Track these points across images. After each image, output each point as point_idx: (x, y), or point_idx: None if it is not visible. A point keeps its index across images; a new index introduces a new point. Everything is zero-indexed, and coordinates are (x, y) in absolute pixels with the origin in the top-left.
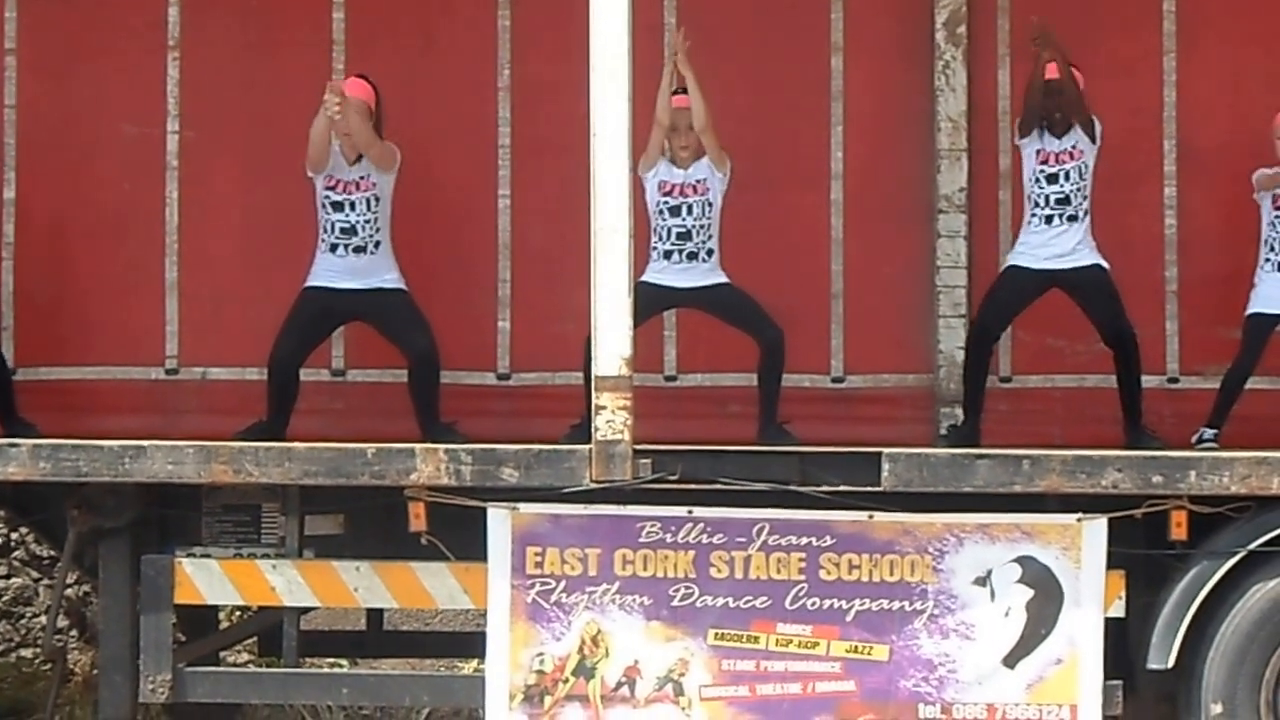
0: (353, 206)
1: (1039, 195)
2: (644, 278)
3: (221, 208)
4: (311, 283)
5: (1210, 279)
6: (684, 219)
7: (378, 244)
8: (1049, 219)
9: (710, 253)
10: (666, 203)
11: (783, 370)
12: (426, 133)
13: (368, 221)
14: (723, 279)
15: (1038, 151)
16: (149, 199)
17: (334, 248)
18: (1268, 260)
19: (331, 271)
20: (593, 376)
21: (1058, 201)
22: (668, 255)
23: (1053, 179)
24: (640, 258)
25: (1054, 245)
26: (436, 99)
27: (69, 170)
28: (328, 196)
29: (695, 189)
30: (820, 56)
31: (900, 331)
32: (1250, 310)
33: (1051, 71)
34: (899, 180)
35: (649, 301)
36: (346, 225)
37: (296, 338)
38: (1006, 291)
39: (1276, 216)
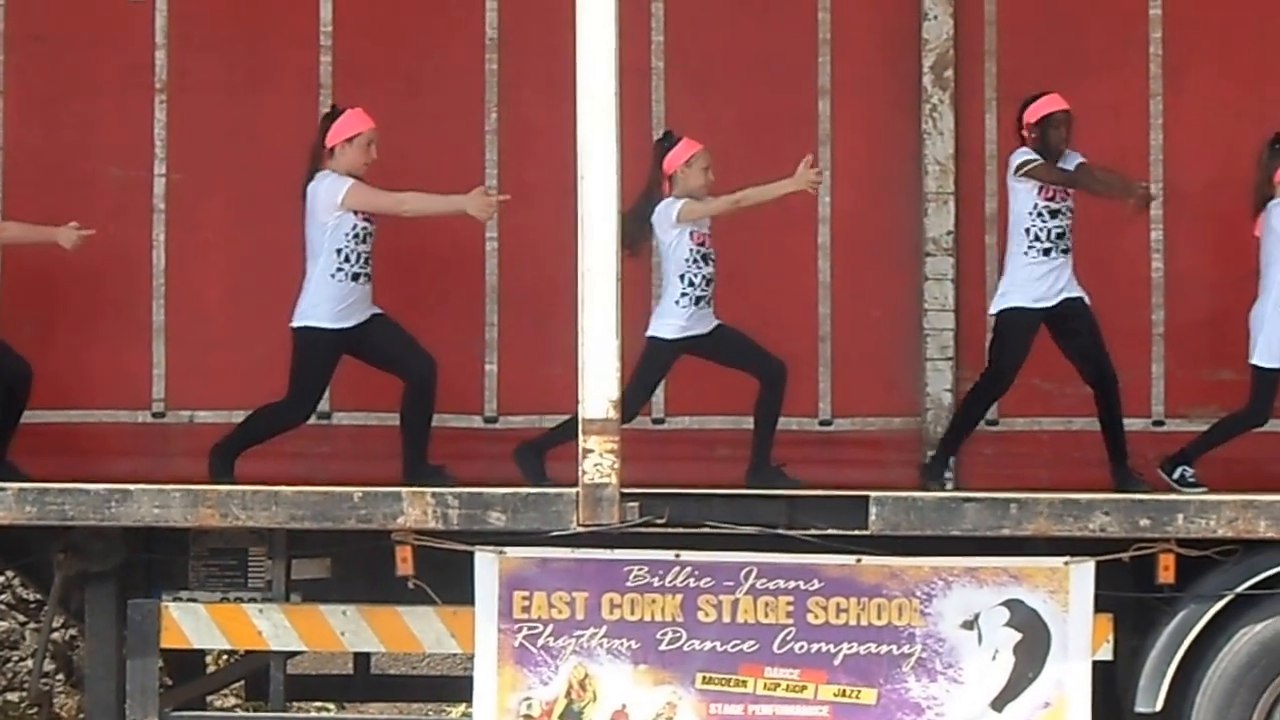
0: (370, 237)
1: (1040, 229)
2: (670, 335)
3: (209, 250)
4: (333, 324)
5: (1197, 322)
6: (712, 266)
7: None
8: (1047, 252)
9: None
10: (700, 251)
11: (782, 406)
12: (414, 176)
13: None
14: (719, 321)
15: (1042, 186)
16: (136, 241)
17: (356, 277)
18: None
19: (348, 303)
20: (580, 419)
21: (1057, 235)
22: (697, 301)
23: (1055, 214)
24: (640, 307)
25: (1051, 279)
26: (424, 142)
27: (56, 212)
28: (365, 228)
29: (713, 237)
30: (808, 100)
31: (888, 375)
32: (1255, 362)
33: (1060, 102)
34: (886, 224)
35: (673, 355)
36: (369, 254)
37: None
38: (1023, 335)
39: None
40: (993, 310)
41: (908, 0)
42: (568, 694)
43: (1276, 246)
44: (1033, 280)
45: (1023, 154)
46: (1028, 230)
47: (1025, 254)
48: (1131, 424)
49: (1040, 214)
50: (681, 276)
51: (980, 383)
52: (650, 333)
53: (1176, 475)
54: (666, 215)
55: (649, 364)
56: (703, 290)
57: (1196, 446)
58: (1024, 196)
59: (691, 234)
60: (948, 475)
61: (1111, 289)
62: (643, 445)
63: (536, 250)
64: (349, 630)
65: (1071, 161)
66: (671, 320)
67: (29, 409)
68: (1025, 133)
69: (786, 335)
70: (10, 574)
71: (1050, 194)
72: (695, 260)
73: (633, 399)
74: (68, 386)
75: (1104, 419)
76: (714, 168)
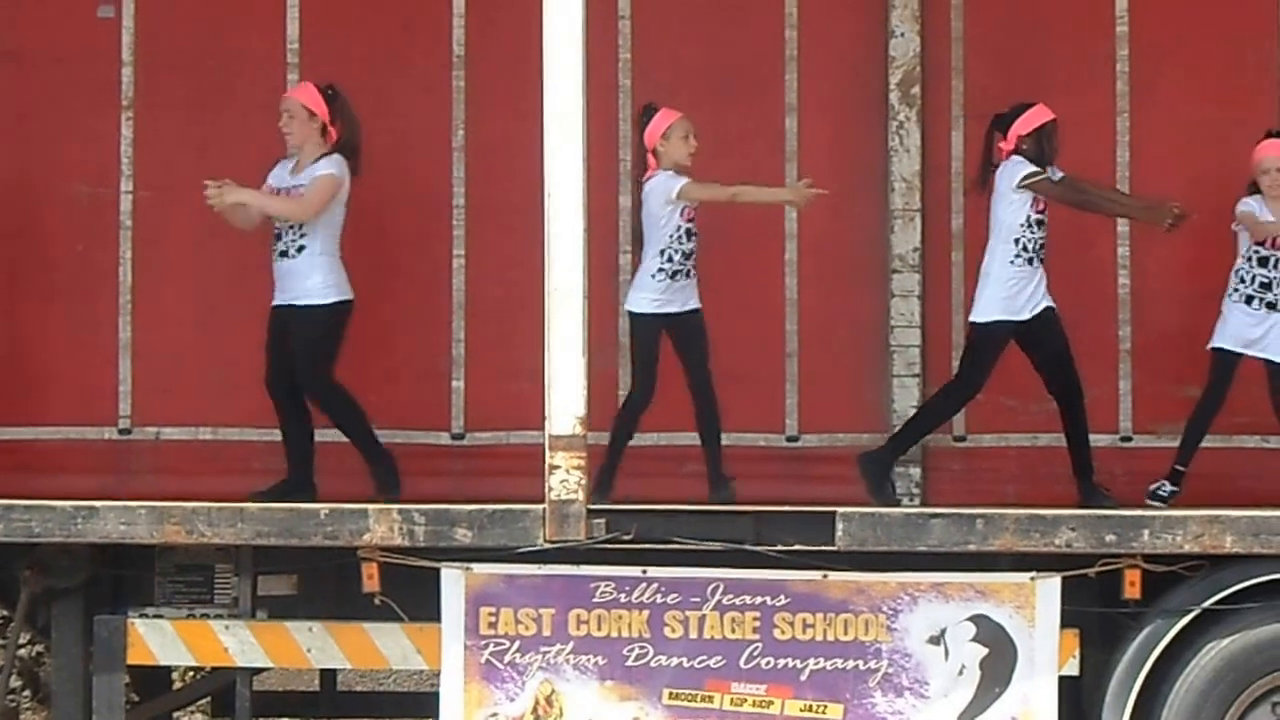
0: (694, 236)
1: (1030, 240)
2: (643, 309)
3: (176, 267)
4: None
5: (1163, 338)
6: (694, 243)
7: (300, 249)
8: (1030, 262)
9: (693, 272)
10: (687, 227)
11: (717, 418)
12: (381, 192)
13: (291, 227)
14: (698, 301)
15: (1035, 198)
16: (103, 258)
17: (674, 275)
18: (1236, 291)
19: (276, 279)
20: (547, 435)
21: (1040, 246)
22: (674, 275)
23: (1042, 224)
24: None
25: (1030, 290)
26: (391, 159)
27: (23, 229)
28: (689, 228)
29: (699, 211)
30: (774, 117)
31: (854, 391)
32: (1215, 344)
33: (1049, 112)
34: (853, 240)
35: (654, 330)
36: (275, 232)
37: (269, 358)
38: (997, 348)
39: (1254, 251)
40: (975, 319)
41: (874, 18)
42: (534, 710)
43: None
44: (1015, 291)
45: (1022, 165)
46: (1017, 240)
47: (1012, 264)
48: (1099, 439)
49: (1031, 225)
50: (662, 251)
51: (948, 389)
52: (626, 306)
53: (1152, 489)
54: (664, 189)
55: (635, 341)
56: (680, 265)
57: (1184, 450)
58: (1018, 208)
59: (683, 210)
60: (915, 490)
61: (1079, 305)
62: None
63: (503, 267)
64: (315, 647)
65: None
66: (645, 294)
67: None
68: (1012, 144)
69: (753, 351)
70: None
71: (1041, 205)
72: (680, 236)
73: (640, 380)
74: (34, 403)
75: (1069, 433)
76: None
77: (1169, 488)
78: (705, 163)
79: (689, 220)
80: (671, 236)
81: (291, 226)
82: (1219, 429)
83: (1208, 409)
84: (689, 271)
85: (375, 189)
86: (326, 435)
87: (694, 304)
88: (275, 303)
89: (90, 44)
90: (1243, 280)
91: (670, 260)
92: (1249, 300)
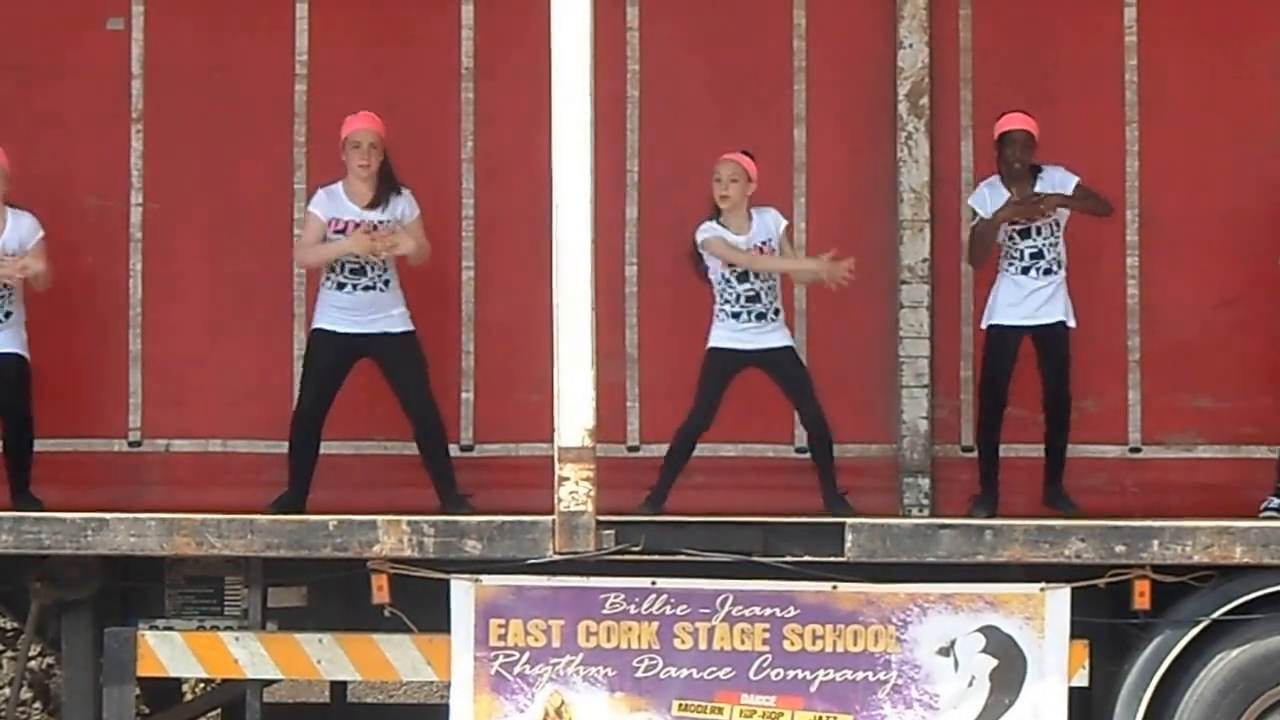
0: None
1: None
2: (714, 343)
3: (185, 279)
4: (319, 325)
5: (1172, 348)
6: (752, 283)
7: (387, 282)
8: (1025, 271)
9: (778, 312)
10: (733, 269)
11: (829, 446)
12: None
13: (374, 265)
14: (787, 341)
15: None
16: (112, 271)
17: (340, 286)
18: None
19: (338, 309)
20: (556, 447)
21: (1032, 255)
22: (735, 316)
23: (1025, 234)
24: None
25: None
26: (400, 171)
27: None
28: (336, 239)
29: (760, 250)
30: (783, 128)
31: (863, 401)
32: None
33: (1013, 121)
34: (861, 251)
35: (722, 366)
36: (356, 266)
37: (315, 388)
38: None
39: None
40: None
41: (882, 28)
42: None
43: None
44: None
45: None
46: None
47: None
48: (1107, 450)
49: (1011, 237)
50: (720, 293)
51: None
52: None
53: (1262, 507)
54: (698, 235)
55: (702, 373)
56: (741, 306)
57: None
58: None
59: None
60: (924, 501)
61: (1087, 316)
62: (619, 473)
63: (512, 278)
64: (325, 659)
65: (1057, 178)
66: (715, 329)
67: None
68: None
69: None
70: None
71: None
72: (729, 280)
73: (696, 410)
74: (43, 415)
75: (1052, 440)
76: (685, 197)
77: (1277, 501)
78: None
79: (727, 266)
80: (721, 281)
81: (379, 263)
82: (1227, 439)
83: None
84: (760, 314)
85: None
86: (332, 448)
87: (777, 342)
88: (348, 330)
89: (99, 57)
90: None
91: (729, 302)
92: None
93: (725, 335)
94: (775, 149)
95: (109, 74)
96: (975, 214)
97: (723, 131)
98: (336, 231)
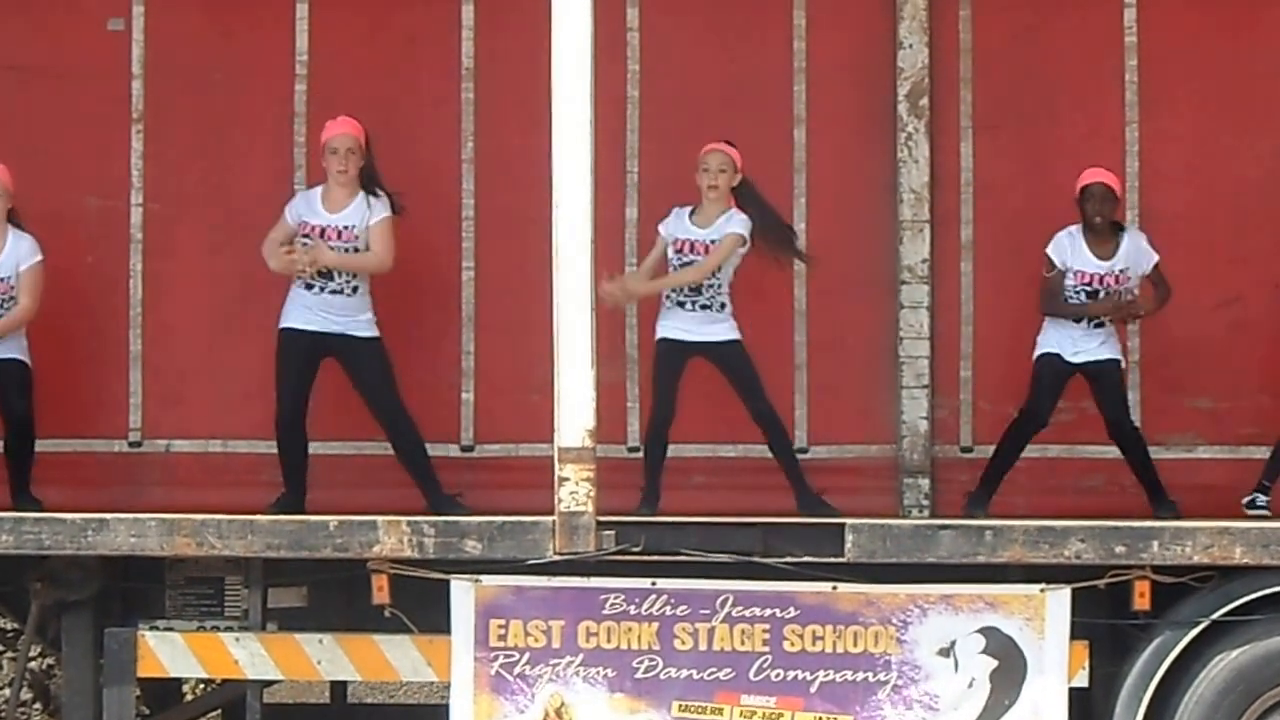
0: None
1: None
2: (660, 334)
3: (186, 280)
4: (285, 324)
5: (1172, 349)
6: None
7: (355, 289)
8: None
9: (723, 306)
10: (680, 258)
11: (786, 441)
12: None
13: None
14: (733, 335)
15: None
16: (113, 271)
17: (309, 286)
18: None
19: (304, 308)
20: (556, 448)
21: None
22: (680, 305)
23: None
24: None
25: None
26: (400, 171)
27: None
28: (304, 244)
29: (707, 249)
30: (783, 128)
31: (863, 402)
32: None
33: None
34: (862, 252)
35: (669, 356)
36: (324, 269)
37: (288, 388)
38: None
39: None
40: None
41: (883, 29)
42: None
43: None
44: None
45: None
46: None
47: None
48: (1108, 451)
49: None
50: None
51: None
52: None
53: (1246, 502)
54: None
55: (654, 366)
56: (684, 297)
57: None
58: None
59: (675, 241)
60: (924, 502)
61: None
62: (619, 473)
63: (512, 278)
64: (325, 659)
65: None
66: (661, 319)
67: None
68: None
69: (763, 363)
70: None
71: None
72: (675, 267)
73: (656, 405)
74: (44, 415)
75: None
76: (688, 197)
77: (1262, 498)
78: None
79: (678, 251)
80: (670, 267)
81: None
82: (1226, 440)
83: None
84: (704, 305)
85: None
86: (332, 448)
87: (723, 336)
88: (314, 328)
89: (100, 57)
90: None
91: (676, 290)
92: None
93: (671, 325)
94: (775, 149)
95: (109, 74)
96: (1053, 264)
97: (723, 132)
98: (303, 236)
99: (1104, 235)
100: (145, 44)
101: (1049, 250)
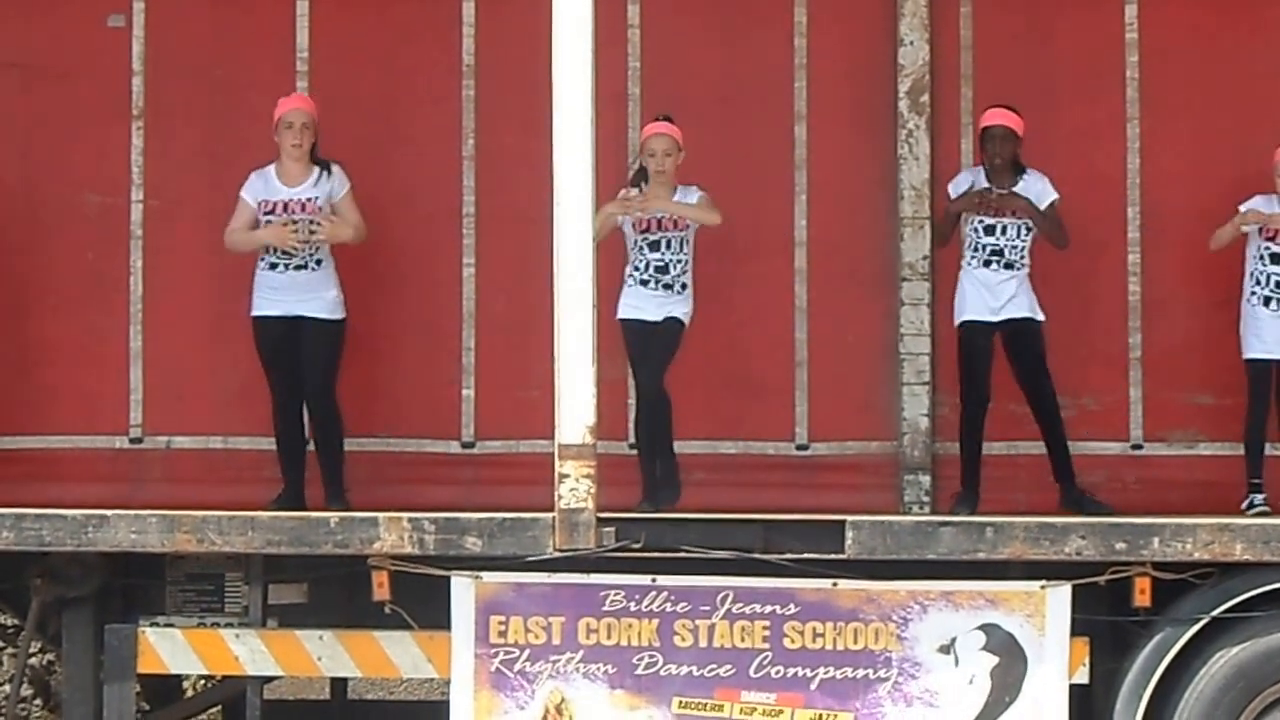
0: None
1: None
2: (621, 314)
3: (185, 276)
4: (255, 312)
5: (1174, 345)
6: (662, 254)
7: (319, 262)
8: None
9: (684, 286)
10: (645, 238)
11: (659, 418)
12: (390, 200)
13: (305, 244)
14: (682, 312)
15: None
16: (113, 268)
17: (273, 266)
18: (1253, 294)
19: (271, 290)
20: (556, 444)
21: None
22: (644, 284)
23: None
24: (612, 283)
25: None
26: (400, 168)
27: (33, 240)
28: (268, 221)
29: (676, 224)
30: (784, 125)
31: (864, 399)
32: (1248, 355)
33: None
34: (862, 248)
35: (635, 336)
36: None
37: (275, 377)
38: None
39: (1265, 248)
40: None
41: (883, 26)
42: (544, 718)
43: None
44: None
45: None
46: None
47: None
48: (1109, 447)
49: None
50: (631, 260)
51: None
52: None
53: (1244, 504)
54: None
55: (627, 348)
56: (650, 275)
57: (1252, 468)
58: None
59: (634, 223)
60: (925, 499)
61: (1089, 313)
62: (619, 470)
63: (513, 275)
64: (326, 655)
65: (1037, 186)
66: (623, 297)
67: (6, 434)
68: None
69: (763, 359)
70: None
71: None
72: (640, 247)
73: (637, 384)
74: (44, 412)
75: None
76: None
77: (1259, 498)
78: (714, 171)
79: (642, 231)
80: (633, 248)
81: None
82: (1228, 436)
83: (1257, 425)
84: (667, 284)
85: (384, 198)
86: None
87: (677, 311)
88: (277, 313)
89: (100, 54)
90: (1258, 282)
91: (637, 269)
92: (1267, 302)
93: (632, 305)
94: (776, 146)
95: (109, 71)
96: (950, 200)
97: (723, 129)
98: (266, 213)
99: (1004, 174)
100: (145, 40)
101: (949, 186)
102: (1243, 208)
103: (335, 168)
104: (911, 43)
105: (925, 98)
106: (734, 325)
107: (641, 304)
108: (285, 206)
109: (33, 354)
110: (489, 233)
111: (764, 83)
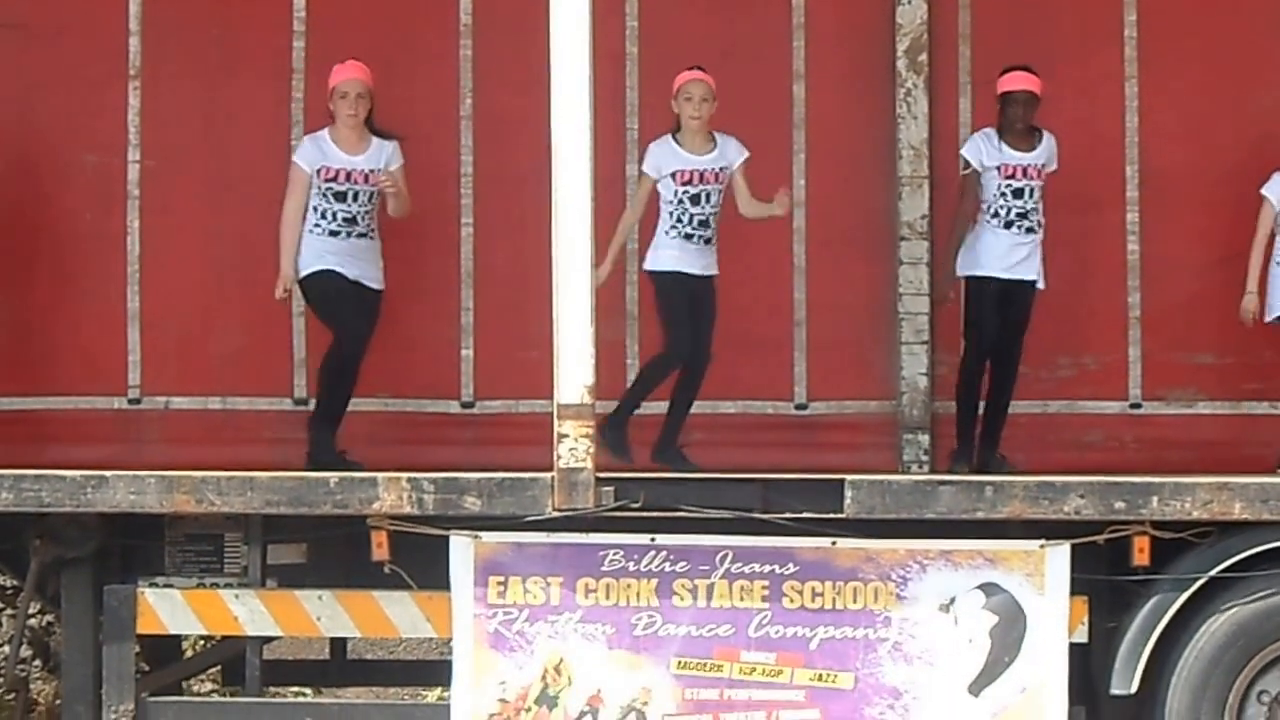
0: (355, 197)
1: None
2: (665, 266)
3: (183, 236)
4: (326, 266)
5: (1173, 305)
6: (703, 207)
7: (375, 229)
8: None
9: (712, 240)
10: (687, 191)
11: (696, 391)
12: None
13: (368, 213)
14: (716, 269)
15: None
16: (111, 228)
17: (334, 234)
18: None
19: (335, 254)
20: (555, 404)
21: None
22: (688, 238)
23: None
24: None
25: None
26: (398, 127)
27: (31, 200)
28: (329, 188)
29: (717, 177)
30: (782, 85)
31: (863, 358)
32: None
33: (1018, 81)
34: (861, 208)
35: (679, 289)
36: (349, 215)
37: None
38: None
39: None
40: None
41: None
42: (543, 678)
43: None
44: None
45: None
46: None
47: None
48: (1108, 406)
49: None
50: (670, 213)
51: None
52: (646, 267)
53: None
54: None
55: (660, 301)
56: (693, 229)
57: None
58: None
59: (677, 174)
60: (924, 458)
61: (1087, 272)
62: None
63: (511, 235)
64: (325, 615)
65: (1053, 149)
66: (662, 251)
67: (4, 395)
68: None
69: (762, 319)
70: None
71: (1010, 173)
72: (682, 201)
73: (672, 340)
74: (43, 373)
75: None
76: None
77: None
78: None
79: (685, 183)
80: (672, 202)
81: (371, 209)
82: (1228, 395)
83: None
84: (708, 239)
85: None
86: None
87: (713, 270)
88: (349, 273)
89: (96, 13)
90: None
91: (680, 222)
92: None
93: (676, 258)
94: (774, 105)
95: (106, 31)
96: (968, 164)
97: (722, 88)
98: (328, 180)
99: (1023, 138)
100: (142, 0)
101: (964, 151)
102: (1264, 191)
103: (393, 144)
104: (910, 2)
105: (924, 57)
106: (733, 285)
107: (687, 257)
108: (348, 175)
109: (30, 315)
110: (487, 192)
111: (762, 42)
